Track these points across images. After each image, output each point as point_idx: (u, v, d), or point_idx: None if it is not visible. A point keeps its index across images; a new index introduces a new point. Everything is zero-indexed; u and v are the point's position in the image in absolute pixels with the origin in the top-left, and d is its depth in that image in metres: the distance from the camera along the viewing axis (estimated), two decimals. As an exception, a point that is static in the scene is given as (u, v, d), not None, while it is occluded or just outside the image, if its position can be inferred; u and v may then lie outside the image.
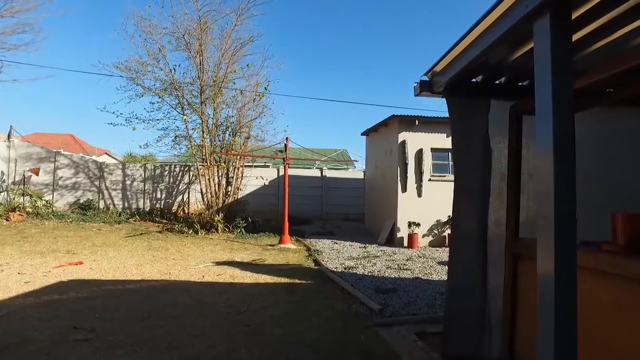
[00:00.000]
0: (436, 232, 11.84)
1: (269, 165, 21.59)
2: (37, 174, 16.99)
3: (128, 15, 19.44)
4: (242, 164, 15.39)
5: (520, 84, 3.56)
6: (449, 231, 11.74)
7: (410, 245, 11.21)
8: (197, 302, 5.42)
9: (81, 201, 17.14)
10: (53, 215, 15.36)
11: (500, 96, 3.50)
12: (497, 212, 3.57)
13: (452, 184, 3.59)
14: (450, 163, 12.06)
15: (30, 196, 15.95)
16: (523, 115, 3.33)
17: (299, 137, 73.79)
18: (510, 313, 3.29)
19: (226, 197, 14.73)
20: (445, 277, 7.21)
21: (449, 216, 11.54)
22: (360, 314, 5.12)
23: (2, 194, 16.01)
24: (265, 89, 14.45)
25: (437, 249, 11.13)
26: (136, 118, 14.21)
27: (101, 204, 17.32)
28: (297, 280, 6.85)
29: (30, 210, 15.42)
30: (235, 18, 13.77)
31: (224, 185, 14.71)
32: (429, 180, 11.90)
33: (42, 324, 4.47)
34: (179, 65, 14.08)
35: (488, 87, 3.52)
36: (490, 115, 3.51)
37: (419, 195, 11.84)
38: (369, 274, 7.59)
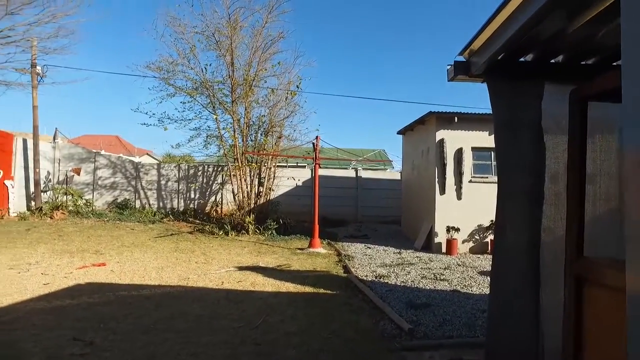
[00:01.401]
0: (477, 237, 10.95)
1: (304, 166, 21.22)
2: (79, 174, 17.47)
3: (159, 16, 19.66)
4: (274, 164, 15.07)
5: (583, 62, 2.85)
6: (491, 237, 10.84)
7: (449, 251, 10.41)
8: (209, 312, 5.02)
9: (118, 200, 17.46)
10: (92, 214, 15.68)
11: (557, 79, 2.81)
12: (553, 221, 2.89)
13: (496, 185, 2.95)
14: (494, 163, 11.14)
15: (72, 195, 16.39)
16: (588, 102, 2.63)
17: (334, 137, 73.24)
18: (573, 349, 2.60)
19: (258, 198, 14.45)
20: (487, 291, 6.46)
21: (492, 221, 10.63)
22: (388, 333, 4.52)
23: (48, 192, 16.55)
24: (297, 87, 14.05)
25: (479, 256, 10.25)
26: (168, 118, 14.23)
27: (137, 204, 17.57)
28: (321, 290, 6.32)
29: (72, 209, 15.81)
30: (266, 15, 13.45)
31: (256, 186, 14.44)
32: (470, 181, 11.02)
33: (42, 333, 4.20)
34: (210, 65, 13.90)
35: (541, 67, 2.84)
36: (543, 103, 2.84)
37: (459, 197, 11.00)
38: (402, 284, 6.95)
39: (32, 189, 15.78)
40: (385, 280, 7.16)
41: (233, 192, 14.44)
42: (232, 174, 14.33)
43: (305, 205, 17.04)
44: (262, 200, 14.52)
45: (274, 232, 12.64)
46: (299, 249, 10.51)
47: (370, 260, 9.15)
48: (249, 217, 13.13)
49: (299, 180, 17.78)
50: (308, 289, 6.34)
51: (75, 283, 6.23)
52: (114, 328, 4.38)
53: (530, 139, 2.80)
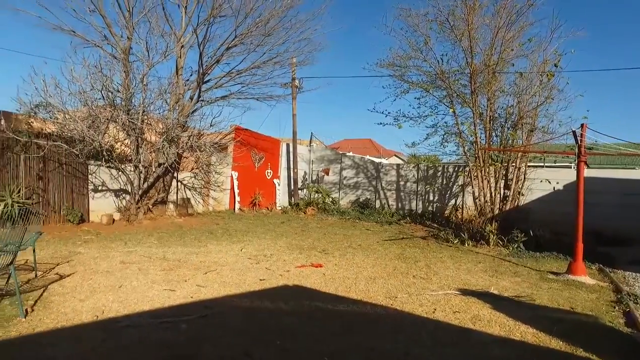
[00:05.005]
0: None
1: (569, 166, 17.09)
2: (327, 174, 19.11)
3: (387, 9, 19.33)
4: (524, 163, 12.41)
5: None
6: None
7: None
8: (401, 354, 3.84)
9: (360, 200, 18.17)
10: (336, 211, 16.77)
11: None
12: None
13: None
14: None
15: (321, 193, 18.01)
16: None
17: (609, 129, 57.58)
18: None
19: (503, 203, 12.17)
20: None
21: None
22: None
23: (304, 190, 18.78)
24: (555, 65, 10.93)
25: None
26: (403, 116, 13.62)
27: (377, 204, 17.85)
28: (580, 351, 4.12)
29: (321, 206, 17.35)
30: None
31: (501, 189, 12.19)
32: None
33: (225, 338, 4.00)
34: (446, 54, 12.50)
35: None
36: None
37: None
38: None
39: (292, 186, 18.15)
40: None
41: (473, 195, 12.62)
42: (472, 174, 12.55)
43: (567, 214, 13.30)
44: (508, 206, 12.17)
45: (520, 245, 10.25)
46: (552, 272, 7.95)
47: (676, 308, 5.94)
48: (491, 225, 11.09)
49: (557, 182, 14.20)
50: (556, 344, 4.29)
51: (284, 284, 6.16)
52: (287, 349, 3.79)
53: None
